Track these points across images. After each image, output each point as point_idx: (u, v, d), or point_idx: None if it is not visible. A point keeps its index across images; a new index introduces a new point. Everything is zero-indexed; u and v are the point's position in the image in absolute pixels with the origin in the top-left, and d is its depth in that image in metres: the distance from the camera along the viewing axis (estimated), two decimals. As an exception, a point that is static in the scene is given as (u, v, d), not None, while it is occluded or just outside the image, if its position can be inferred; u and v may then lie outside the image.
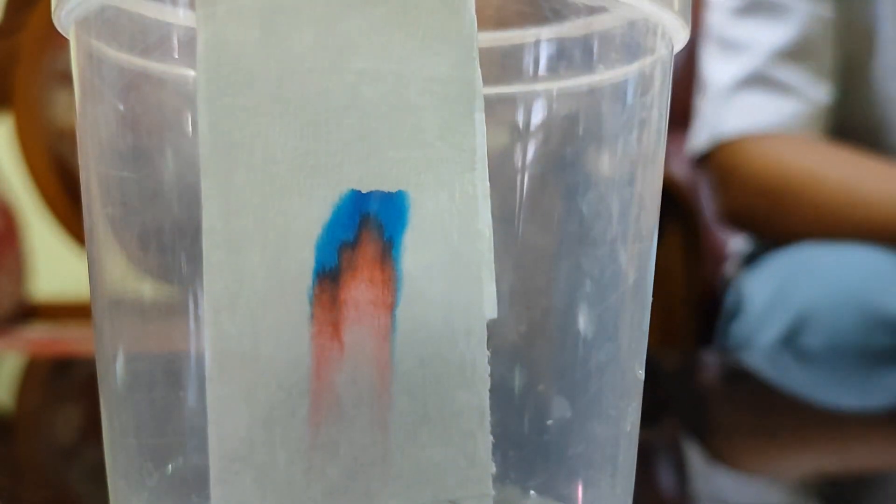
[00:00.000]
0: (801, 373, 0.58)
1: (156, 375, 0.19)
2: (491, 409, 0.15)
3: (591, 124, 0.20)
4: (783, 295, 0.64)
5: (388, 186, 0.15)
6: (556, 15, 0.19)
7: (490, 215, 0.15)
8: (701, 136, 0.76)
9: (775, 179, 0.70)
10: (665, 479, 0.33)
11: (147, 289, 0.19)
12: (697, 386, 0.54)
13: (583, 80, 0.20)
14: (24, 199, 1.08)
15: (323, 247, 0.15)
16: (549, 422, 0.21)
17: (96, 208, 0.18)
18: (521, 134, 0.21)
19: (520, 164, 0.21)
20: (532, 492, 0.21)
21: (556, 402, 0.20)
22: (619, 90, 0.19)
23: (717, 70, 0.76)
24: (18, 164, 0.98)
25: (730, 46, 0.75)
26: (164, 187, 0.18)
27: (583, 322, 0.20)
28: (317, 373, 0.15)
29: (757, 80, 0.73)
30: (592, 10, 0.18)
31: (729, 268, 0.84)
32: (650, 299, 0.20)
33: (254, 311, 0.14)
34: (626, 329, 0.19)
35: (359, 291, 0.15)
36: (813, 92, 0.73)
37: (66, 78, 0.81)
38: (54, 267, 1.17)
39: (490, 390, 0.15)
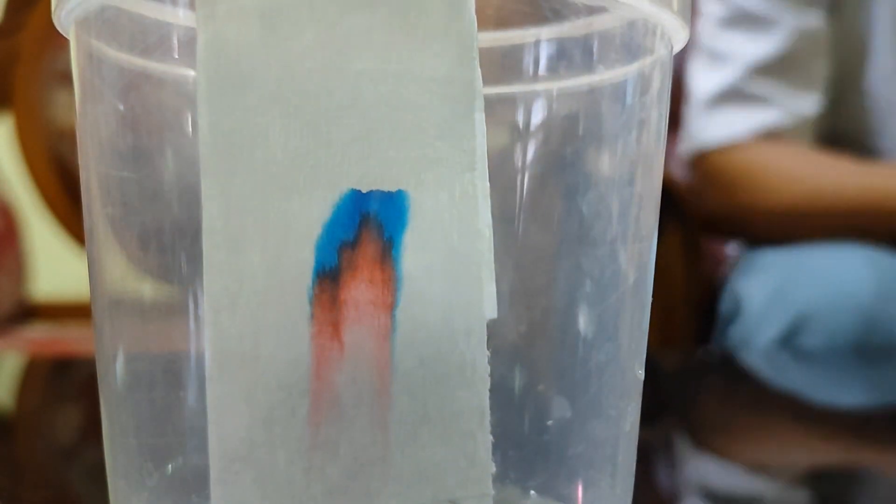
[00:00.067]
0: (800, 373, 0.58)
1: (156, 375, 0.19)
2: (491, 409, 0.15)
3: (590, 124, 0.20)
4: (781, 295, 0.64)
5: (388, 186, 0.15)
6: (556, 15, 0.19)
7: (490, 215, 0.15)
8: (685, 144, 0.78)
9: (752, 182, 0.72)
10: (665, 478, 0.33)
11: (147, 289, 0.19)
12: (697, 386, 0.54)
13: (583, 80, 0.20)
14: (24, 199, 1.08)
15: (323, 246, 0.15)
16: (549, 422, 0.21)
17: (96, 208, 0.18)
18: (521, 134, 0.21)
19: (520, 164, 0.21)
20: (532, 492, 0.21)
21: (556, 402, 0.21)
22: (618, 90, 0.19)
23: (701, 80, 0.77)
24: (18, 164, 0.98)
25: (714, 57, 0.76)
26: (164, 187, 0.18)
27: (583, 322, 0.20)
28: (317, 373, 0.15)
29: (736, 93, 0.74)
30: (592, 10, 0.18)
31: (728, 268, 0.84)
32: (650, 299, 0.20)
33: (254, 311, 0.14)
34: (626, 329, 0.19)
35: (359, 291, 0.15)
36: (796, 104, 0.73)
37: (66, 78, 0.81)
38: (54, 267, 1.17)
39: (490, 390, 0.15)
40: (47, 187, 0.97)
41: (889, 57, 0.74)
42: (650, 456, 0.34)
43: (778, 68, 0.73)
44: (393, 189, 0.15)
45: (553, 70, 0.20)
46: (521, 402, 0.21)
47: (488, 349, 0.15)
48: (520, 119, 0.21)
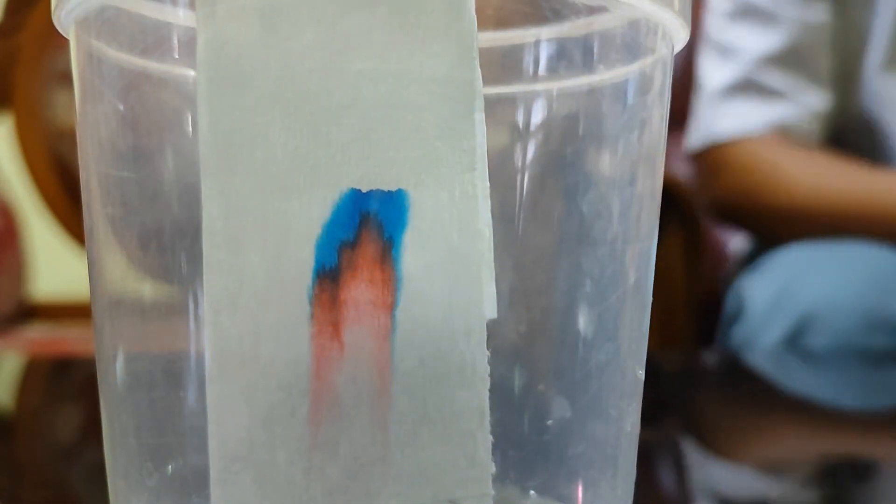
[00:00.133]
0: (804, 373, 0.58)
1: (156, 375, 0.19)
2: (491, 409, 0.15)
3: (591, 124, 0.20)
4: (786, 296, 0.64)
5: (388, 186, 0.15)
6: (556, 15, 0.19)
7: (490, 215, 0.15)
8: (695, 136, 0.77)
9: (756, 178, 0.72)
10: (665, 479, 0.33)
11: (147, 289, 0.19)
12: (698, 386, 0.54)
13: (583, 80, 0.20)
14: (24, 199, 1.08)
15: (323, 246, 0.15)
16: (549, 422, 0.21)
17: (96, 208, 0.18)
18: (521, 134, 0.21)
19: (520, 164, 0.21)
20: (532, 492, 0.21)
21: (556, 402, 0.20)
22: (619, 90, 0.19)
23: (710, 73, 0.77)
24: (18, 164, 0.98)
25: (723, 50, 0.76)
26: (164, 187, 0.18)
27: (583, 322, 0.20)
28: (317, 373, 0.15)
29: (746, 86, 0.74)
30: (592, 10, 0.18)
31: (730, 268, 0.84)
32: (650, 299, 0.20)
33: (254, 311, 0.14)
34: (626, 329, 0.19)
35: (359, 291, 0.15)
36: (806, 97, 0.74)
37: (66, 78, 0.81)
38: (54, 267, 1.17)
39: (490, 390, 0.15)
40: (47, 187, 0.97)
41: (889, 51, 0.74)
42: (651, 456, 0.34)
43: (785, 60, 0.73)
44: (393, 189, 0.15)
45: (553, 70, 0.20)
46: (521, 402, 0.21)
47: (488, 349, 0.15)
48: (520, 119, 0.21)
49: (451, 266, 0.15)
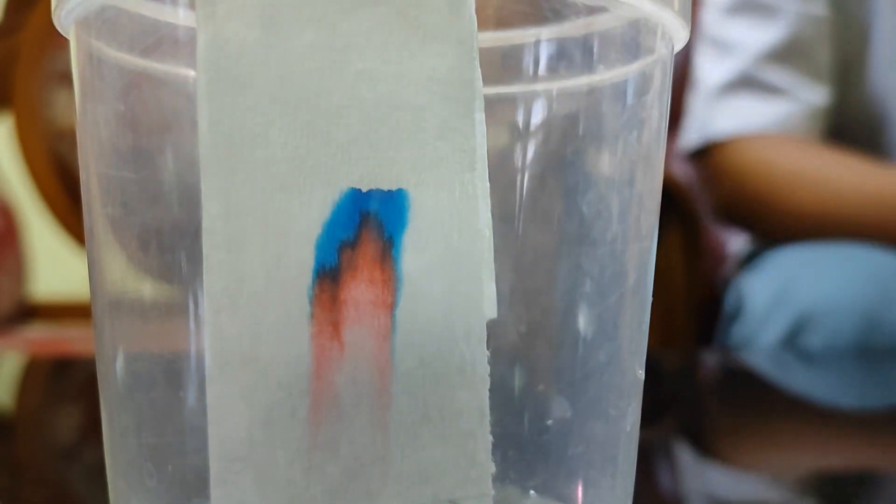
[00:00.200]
0: (803, 373, 0.58)
1: (156, 375, 0.19)
2: (491, 409, 0.15)
3: (591, 124, 0.20)
4: (784, 295, 0.64)
5: (388, 186, 0.15)
6: (556, 15, 0.19)
7: (490, 215, 0.15)
8: (692, 133, 0.77)
9: (761, 179, 0.71)
10: (665, 479, 0.33)
11: (147, 289, 0.19)
12: (697, 386, 0.54)
13: (583, 80, 0.20)
14: (24, 199, 1.08)
15: (323, 246, 0.15)
16: (549, 422, 0.21)
17: (96, 208, 0.18)
18: (521, 134, 0.21)
19: (520, 164, 0.21)
20: (532, 492, 0.21)
21: (556, 402, 0.20)
22: (619, 90, 0.19)
23: (708, 69, 0.76)
24: (18, 164, 0.98)
25: (721, 46, 0.75)
26: (164, 187, 0.18)
27: (583, 322, 0.20)
28: (317, 373, 0.15)
29: (746, 82, 0.73)
30: (592, 10, 0.18)
31: (729, 268, 0.84)
32: (650, 299, 0.20)
33: (254, 311, 0.14)
34: (626, 329, 0.19)
35: (359, 291, 0.15)
36: (806, 93, 0.73)
37: (66, 78, 0.81)
38: (54, 267, 1.17)
39: (490, 390, 0.15)
40: (47, 187, 0.97)
41: (891, 45, 0.74)
42: (651, 456, 0.34)
43: (785, 55, 0.73)
44: (393, 188, 0.15)
45: (553, 70, 0.20)
46: (521, 402, 0.21)
47: (488, 349, 0.15)
48: (520, 119, 0.21)
49: (451, 266, 0.15)
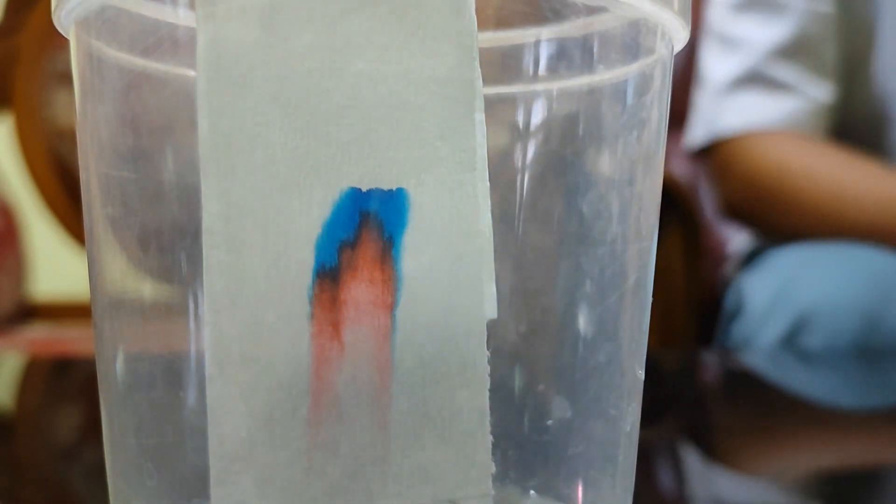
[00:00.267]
0: (802, 373, 0.58)
1: (156, 375, 0.19)
2: (491, 409, 0.15)
3: (591, 124, 0.20)
4: (784, 295, 0.64)
5: (388, 186, 0.15)
6: (556, 15, 0.19)
7: (490, 215, 0.15)
8: (698, 130, 0.76)
9: (771, 177, 0.71)
10: (665, 479, 0.33)
11: (147, 289, 0.19)
12: (697, 386, 0.54)
13: (583, 80, 0.20)
14: (24, 199, 1.08)
15: (323, 246, 0.15)
16: (549, 422, 0.21)
17: (96, 208, 0.18)
18: (521, 134, 0.21)
19: (520, 164, 0.21)
20: (532, 492, 0.21)
21: (556, 402, 0.20)
22: (619, 90, 0.19)
23: (715, 66, 0.76)
24: (18, 164, 0.98)
25: (728, 43, 0.75)
26: (164, 187, 0.18)
27: (583, 322, 0.20)
28: (317, 373, 0.15)
29: (754, 78, 0.73)
30: (592, 10, 0.18)
31: (729, 268, 0.84)
32: (650, 299, 0.20)
33: (254, 311, 0.14)
34: (626, 329, 0.19)
35: (359, 291, 0.15)
36: (812, 90, 0.73)
37: (66, 78, 0.81)
38: (54, 267, 1.17)
39: (490, 390, 0.15)
40: (47, 187, 0.97)
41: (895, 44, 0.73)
42: (650, 456, 0.34)
43: (792, 52, 0.72)
44: (393, 188, 0.15)
45: (553, 70, 0.20)
46: (521, 402, 0.21)
47: (488, 349, 0.15)
48: (520, 119, 0.21)
49: (451, 266, 0.15)
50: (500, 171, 0.20)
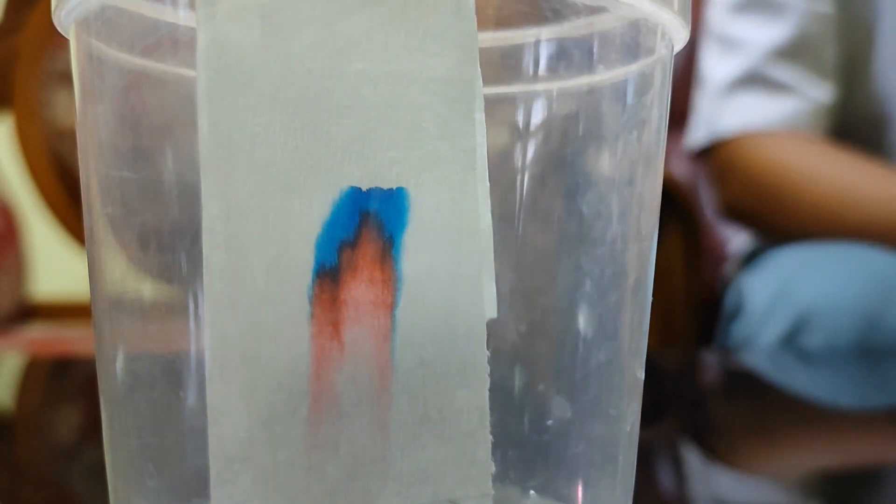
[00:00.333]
0: (802, 373, 0.58)
1: (156, 375, 0.19)
2: (491, 409, 0.15)
3: (591, 124, 0.20)
4: (784, 295, 0.64)
5: (388, 186, 0.15)
6: (556, 15, 0.19)
7: (490, 215, 0.15)
8: (698, 131, 0.76)
9: (772, 178, 0.71)
10: (665, 479, 0.33)
11: (147, 289, 0.19)
12: (697, 386, 0.54)
13: (583, 80, 0.20)
14: (24, 199, 1.08)
15: (323, 246, 0.15)
16: (549, 422, 0.21)
17: (96, 208, 0.18)
18: (521, 134, 0.21)
19: (520, 164, 0.21)
20: (532, 492, 0.21)
21: (556, 402, 0.20)
22: (619, 90, 0.19)
23: (715, 67, 0.76)
24: (18, 164, 0.98)
25: (728, 44, 0.75)
26: (164, 187, 0.18)
27: (583, 322, 0.20)
28: (317, 373, 0.15)
29: (754, 79, 0.73)
30: (592, 10, 0.18)
31: (729, 268, 0.84)
32: (650, 299, 0.20)
33: (254, 311, 0.14)
34: (626, 329, 0.19)
35: (359, 291, 0.15)
36: (812, 90, 0.73)
37: (66, 78, 0.81)
38: (54, 267, 1.17)
39: (490, 390, 0.15)
40: (47, 187, 0.97)
41: (895, 45, 0.73)
42: (650, 456, 0.34)
43: (792, 53, 0.72)
44: (393, 188, 0.15)
45: (553, 70, 0.20)
46: (521, 402, 0.21)
47: (488, 349, 0.15)
48: (520, 119, 0.21)
49: (451, 266, 0.15)
50: (500, 171, 0.20)
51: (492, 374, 0.15)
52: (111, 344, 0.19)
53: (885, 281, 0.61)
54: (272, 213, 0.14)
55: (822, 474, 0.35)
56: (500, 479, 0.20)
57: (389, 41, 0.15)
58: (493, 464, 0.15)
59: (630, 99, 0.19)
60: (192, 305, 0.18)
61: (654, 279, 0.20)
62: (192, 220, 0.17)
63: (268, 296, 0.14)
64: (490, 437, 0.15)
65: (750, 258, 0.77)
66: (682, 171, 0.94)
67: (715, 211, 0.81)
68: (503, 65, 0.20)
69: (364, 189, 0.15)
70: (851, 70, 0.75)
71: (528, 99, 0.21)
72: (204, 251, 0.14)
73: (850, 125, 0.76)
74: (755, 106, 0.73)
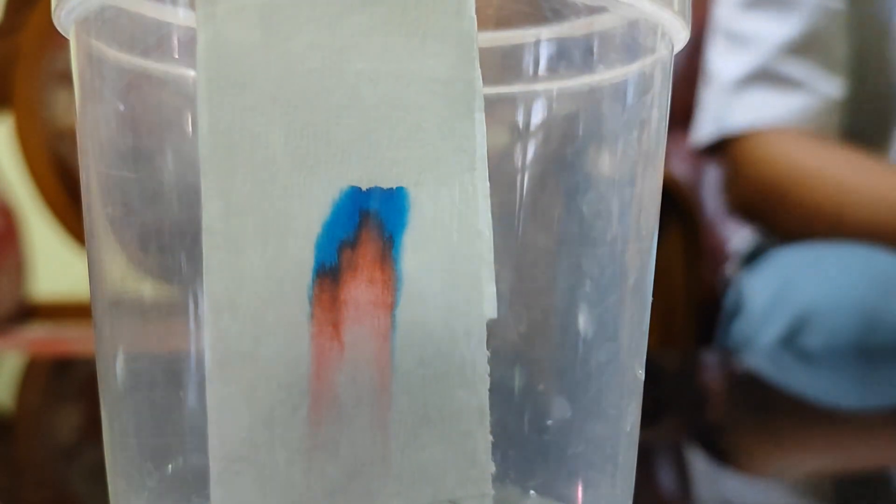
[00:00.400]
0: (802, 373, 0.58)
1: (156, 375, 0.19)
2: (491, 409, 0.15)
3: (591, 124, 0.20)
4: (784, 295, 0.64)
5: (388, 186, 0.15)
6: (556, 15, 0.19)
7: (490, 215, 0.15)
8: (705, 127, 0.76)
9: (780, 175, 0.71)
10: (665, 479, 0.33)
11: (147, 289, 0.19)
12: (697, 386, 0.54)
13: (583, 80, 0.20)
14: (24, 199, 1.08)
15: (323, 245, 0.15)
16: (549, 422, 0.21)
17: (96, 208, 0.18)
18: (521, 134, 0.21)
19: (520, 164, 0.21)
20: (532, 492, 0.21)
21: (556, 402, 0.20)
22: (619, 90, 0.19)
23: (723, 63, 0.75)
24: (18, 164, 0.98)
25: (737, 40, 0.75)
26: (164, 187, 0.18)
27: (583, 322, 0.20)
28: (317, 373, 0.15)
29: (764, 76, 0.73)
30: (592, 10, 0.18)
31: (729, 268, 0.84)
32: (650, 299, 0.20)
33: (254, 311, 0.14)
34: (626, 329, 0.19)
35: (359, 291, 0.15)
36: (822, 86, 0.72)
37: (66, 78, 0.81)
38: (54, 267, 1.17)
39: (490, 390, 0.15)
40: (47, 187, 0.97)
41: None
42: (650, 456, 0.34)
43: (802, 49, 0.72)
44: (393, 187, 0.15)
45: (553, 70, 0.20)
46: (521, 402, 0.21)
47: (488, 349, 0.15)
48: (520, 119, 0.21)
49: (451, 266, 0.15)
50: (500, 171, 0.20)
51: (492, 374, 0.15)
52: (111, 344, 0.19)
53: (885, 281, 0.61)
54: (272, 213, 0.14)
55: (822, 474, 0.35)
56: (500, 479, 0.20)
57: (389, 41, 0.15)
58: (493, 464, 0.15)
59: (630, 99, 0.19)
60: (192, 305, 0.18)
61: (654, 279, 0.20)
62: (192, 220, 0.17)
63: (268, 296, 0.14)
64: (490, 437, 0.15)
65: (750, 258, 0.77)
66: (682, 171, 0.94)
67: (724, 208, 0.81)
68: (503, 65, 0.20)
69: (364, 189, 0.15)
70: (864, 64, 0.75)
71: (528, 99, 0.21)
72: (204, 251, 0.14)
73: (863, 120, 0.76)
74: (765, 102, 0.72)
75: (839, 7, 0.73)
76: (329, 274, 0.15)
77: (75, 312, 1.09)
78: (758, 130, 0.72)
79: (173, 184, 0.18)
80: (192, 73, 0.17)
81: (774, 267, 0.68)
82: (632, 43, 0.19)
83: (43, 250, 1.19)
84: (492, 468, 0.15)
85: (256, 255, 0.14)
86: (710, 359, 0.66)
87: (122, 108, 0.18)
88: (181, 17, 0.17)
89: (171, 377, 0.19)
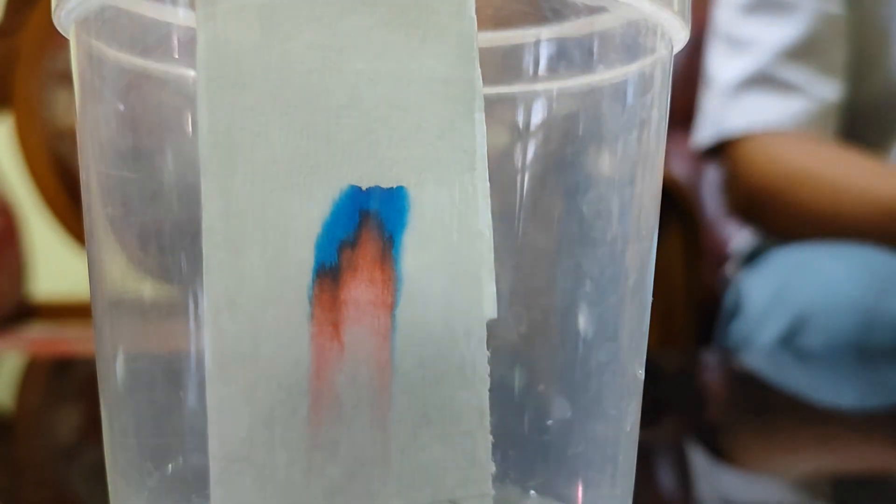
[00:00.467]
0: (801, 372, 0.58)
1: (156, 375, 0.19)
2: (491, 409, 0.15)
3: (591, 124, 0.20)
4: (783, 295, 0.64)
5: (388, 186, 0.15)
6: (556, 15, 0.19)
7: (490, 215, 0.15)
8: (705, 130, 0.76)
9: (779, 178, 0.71)
10: (665, 479, 0.33)
11: (147, 289, 0.19)
12: (697, 386, 0.54)
13: (583, 80, 0.20)
14: (24, 199, 1.08)
15: (323, 245, 0.15)
16: (549, 422, 0.21)
17: (96, 208, 0.18)
18: (521, 134, 0.21)
19: (520, 164, 0.21)
20: (532, 492, 0.21)
21: (556, 402, 0.20)
22: (619, 90, 0.19)
23: (723, 67, 0.76)
24: (18, 164, 0.98)
25: (736, 44, 0.75)
26: (164, 187, 0.18)
27: (583, 322, 0.20)
28: (317, 373, 0.15)
29: (763, 80, 0.73)
30: (592, 10, 0.18)
31: (728, 268, 0.84)
32: (650, 299, 0.20)
33: (254, 311, 0.14)
34: (626, 329, 0.19)
35: (359, 291, 0.15)
36: (821, 90, 0.73)
37: (66, 78, 0.81)
38: (54, 267, 1.17)
39: (490, 390, 0.15)
40: (47, 187, 0.97)
41: None
42: (651, 456, 0.34)
43: (802, 53, 0.72)
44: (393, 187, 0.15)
45: (553, 70, 0.20)
46: (521, 402, 0.21)
47: (488, 349, 0.15)
48: (520, 119, 0.21)
49: (451, 266, 0.15)
50: (500, 171, 0.20)
51: (492, 374, 0.15)
52: (111, 344, 0.19)
53: (884, 281, 0.61)
54: (272, 213, 0.14)
55: (821, 474, 0.35)
56: (500, 479, 0.20)
57: (389, 41, 0.15)
58: (493, 464, 0.15)
59: (630, 99, 0.19)
60: (192, 305, 0.18)
61: (654, 279, 0.20)
62: (192, 220, 0.17)
63: (268, 296, 0.14)
64: (490, 437, 0.15)
65: (750, 258, 0.77)
66: (682, 171, 0.94)
67: (724, 211, 0.81)
68: (503, 65, 0.20)
69: (364, 189, 0.15)
70: (863, 69, 0.75)
71: (528, 99, 0.21)
72: (204, 251, 0.14)
73: (862, 124, 0.76)
74: (763, 106, 0.73)
75: (838, 12, 0.73)
76: (329, 274, 0.15)
77: (75, 312, 1.09)
78: (756, 133, 0.72)
79: (173, 184, 0.18)
80: (192, 73, 0.17)
81: (773, 267, 0.68)
82: (632, 43, 0.19)
83: (43, 250, 1.19)
84: (492, 468, 0.15)
85: (256, 255, 0.14)
86: (709, 359, 0.66)
87: (122, 108, 0.18)
88: (181, 17, 0.17)
89: (171, 377, 0.19)
